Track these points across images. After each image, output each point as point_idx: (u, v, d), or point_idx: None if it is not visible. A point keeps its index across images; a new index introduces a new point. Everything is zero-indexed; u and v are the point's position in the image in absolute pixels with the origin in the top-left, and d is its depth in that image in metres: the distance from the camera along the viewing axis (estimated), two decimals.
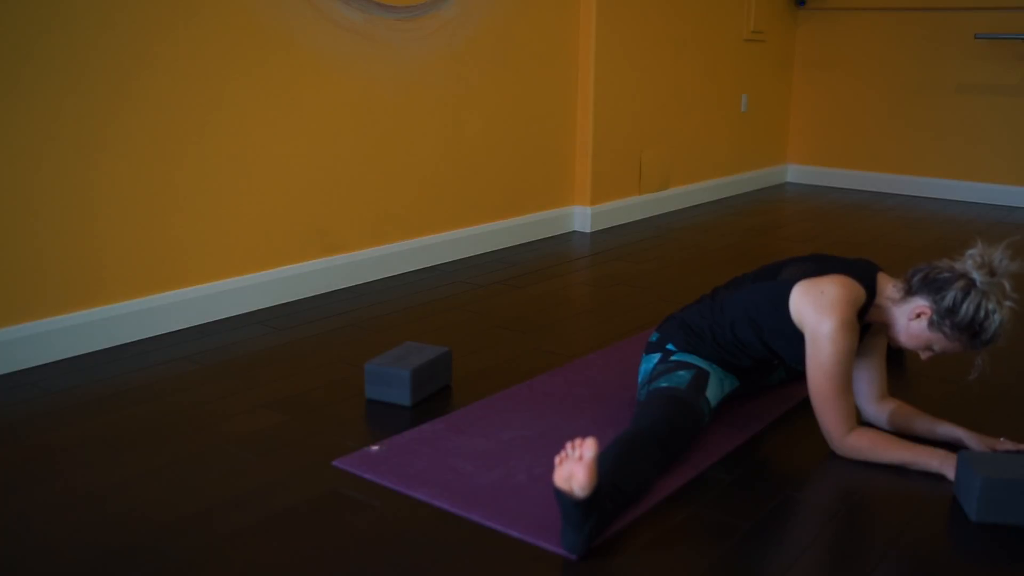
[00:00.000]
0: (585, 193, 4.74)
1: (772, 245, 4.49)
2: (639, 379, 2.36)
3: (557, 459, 1.71)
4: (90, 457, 2.15)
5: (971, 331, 2.01)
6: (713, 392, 2.23)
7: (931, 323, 2.04)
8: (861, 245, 4.49)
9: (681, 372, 2.23)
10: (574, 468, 1.67)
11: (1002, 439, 2.16)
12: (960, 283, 2.00)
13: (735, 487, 2.03)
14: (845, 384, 2.07)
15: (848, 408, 2.10)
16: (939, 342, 2.06)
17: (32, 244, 2.69)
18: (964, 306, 1.98)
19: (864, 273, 2.14)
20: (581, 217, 4.76)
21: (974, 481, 1.88)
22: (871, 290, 2.12)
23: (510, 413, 2.40)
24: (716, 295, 2.34)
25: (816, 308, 2.07)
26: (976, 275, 2.01)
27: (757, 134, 6.15)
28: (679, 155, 5.37)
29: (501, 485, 2.00)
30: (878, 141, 6.13)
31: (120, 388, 2.57)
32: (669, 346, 2.33)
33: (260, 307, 3.33)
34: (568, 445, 1.70)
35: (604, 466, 1.89)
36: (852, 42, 6.13)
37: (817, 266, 2.17)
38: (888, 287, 2.14)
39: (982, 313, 1.98)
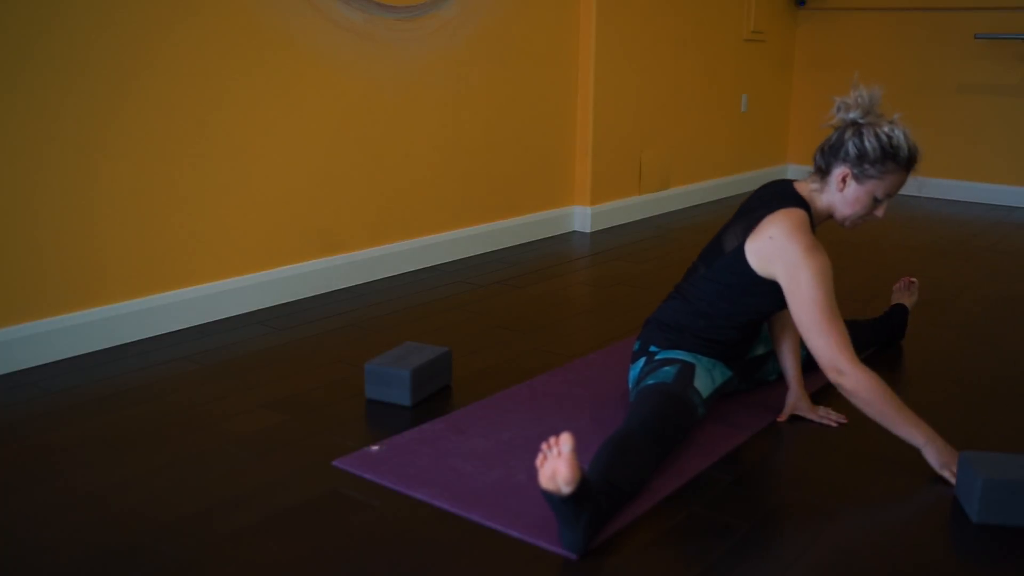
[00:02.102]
0: (585, 193, 4.74)
1: None
2: (629, 386, 2.38)
3: (537, 462, 1.69)
4: (90, 457, 2.15)
5: (889, 156, 2.09)
6: (702, 382, 2.22)
7: (856, 177, 2.13)
8: (861, 245, 4.49)
9: (666, 368, 2.24)
10: (555, 465, 1.65)
11: (822, 409, 2.37)
12: (849, 131, 2.12)
13: (734, 487, 2.03)
14: (833, 308, 2.06)
15: (845, 333, 2.05)
16: (876, 188, 2.13)
17: (32, 244, 2.69)
18: (866, 143, 2.09)
19: (785, 195, 2.21)
20: (581, 217, 4.76)
21: (975, 482, 1.88)
22: (802, 202, 2.19)
23: (510, 413, 2.40)
24: (680, 288, 2.37)
25: (777, 251, 2.12)
26: (855, 117, 2.12)
27: (757, 134, 6.15)
28: (679, 155, 5.37)
29: (501, 485, 2.00)
30: None
31: (120, 388, 2.57)
32: (651, 348, 2.34)
33: (260, 307, 3.33)
34: (544, 445, 1.69)
35: (597, 464, 1.89)
36: (852, 42, 6.13)
37: (747, 220, 2.22)
38: (808, 188, 2.22)
39: (884, 138, 2.08)
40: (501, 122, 4.24)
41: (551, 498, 1.70)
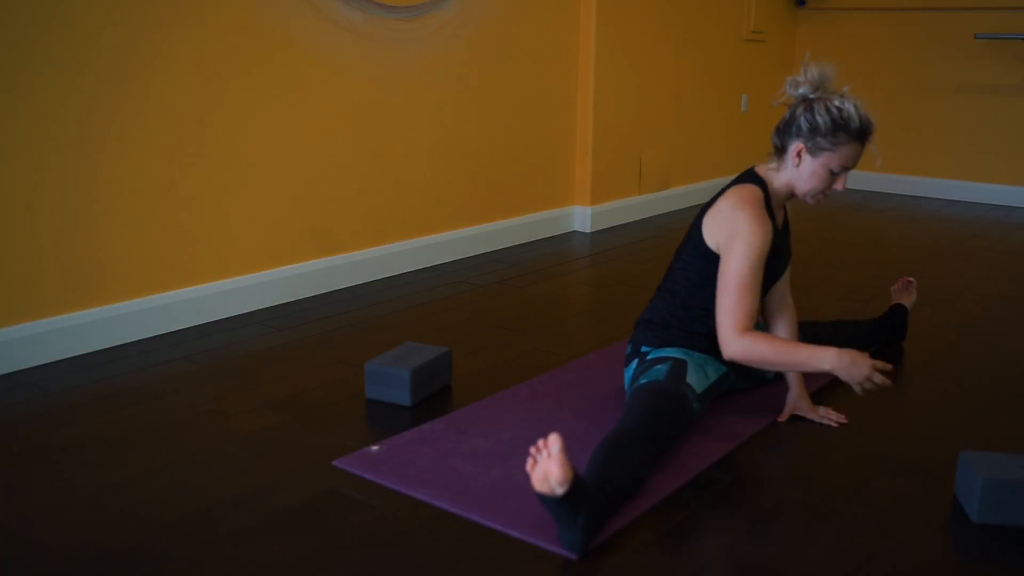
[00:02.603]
0: (585, 193, 4.74)
1: None
2: (625, 389, 2.38)
3: (528, 467, 1.69)
4: (90, 457, 2.15)
5: (840, 127, 2.12)
6: (695, 378, 2.23)
7: (810, 151, 2.16)
8: (861, 245, 4.49)
9: (658, 366, 2.25)
10: (546, 466, 1.66)
11: (822, 409, 2.37)
12: (800, 107, 2.16)
13: (735, 487, 2.03)
14: (749, 285, 2.11)
15: (750, 307, 2.12)
16: (831, 160, 2.15)
17: (32, 244, 2.69)
18: (817, 117, 2.12)
19: (743, 177, 2.27)
20: (581, 217, 4.76)
21: (975, 482, 1.88)
22: (758, 180, 2.24)
23: (510, 413, 2.40)
24: (661, 286, 2.40)
25: (723, 221, 2.17)
26: (805, 92, 2.17)
27: (757, 134, 6.15)
28: (679, 155, 5.37)
29: (501, 485, 2.00)
30: (878, 141, 6.11)
31: (120, 388, 2.57)
32: (643, 348, 2.35)
33: (260, 307, 3.33)
34: (533, 449, 1.69)
35: (593, 464, 1.89)
36: (852, 42, 6.13)
37: (706, 205, 2.29)
38: (767, 168, 2.27)
39: (835, 111, 2.11)
40: (501, 122, 4.24)
41: (546, 500, 1.70)
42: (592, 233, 4.71)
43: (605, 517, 1.81)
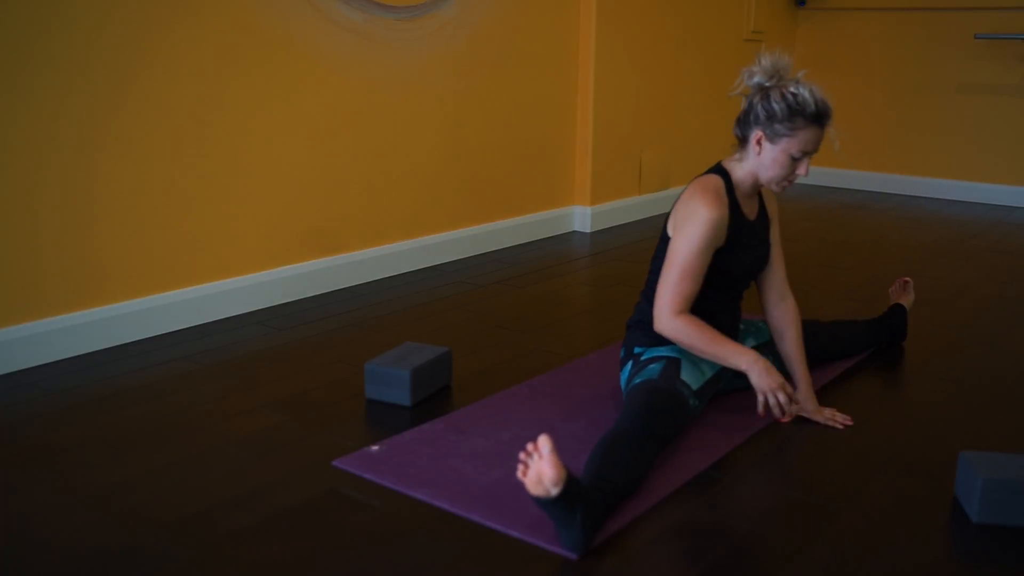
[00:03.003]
0: (585, 193, 4.74)
1: None
2: (622, 390, 2.38)
3: (519, 473, 1.69)
4: (90, 457, 2.15)
5: (797, 112, 2.15)
6: (690, 375, 2.23)
7: (768, 138, 2.19)
8: (861, 245, 4.49)
9: (652, 366, 2.26)
10: (539, 468, 1.65)
11: (828, 411, 2.36)
12: (757, 96, 2.20)
13: (734, 487, 2.03)
14: (692, 268, 2.19)
15: (689, 291, 2.19)
16: (790, 145, 2.18)
17: (32, 244, 2.69)
18: (773, 104, 2.16)
19: (709, 169, 2.33)
20: (581, 217, 4.76)
21: (975, 482, 1.88)
22: (721, 171, 2.28)
23: (510, 413, 2.40)
24: (644, 289, 2.43)
25: (681, 209, 2.24)
26: (760, 81, 2.20)
27: None
28: (679, 155, 5.37)
29: (501, 485, 2.00)
30: (878, 141, 6.13)
31: (120, 388, 2.57)
32: (636, 350, 2.36)
33: (260, 307, 3.33)
34: (523, 454, 1.69)
35: (590, 464, 1.89)
36: (852, 42, 6.13)
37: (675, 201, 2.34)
38: (731, 160, 2.31)
39: (790, 96, 2.15)
40: (501, 122, 4.24)
41: (542, 503, 1.69)
42: (592, 233, 4.71)
43: (604, 516, 1.81)
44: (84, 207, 2.79)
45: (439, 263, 4.03)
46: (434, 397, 2.52)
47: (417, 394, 2.45)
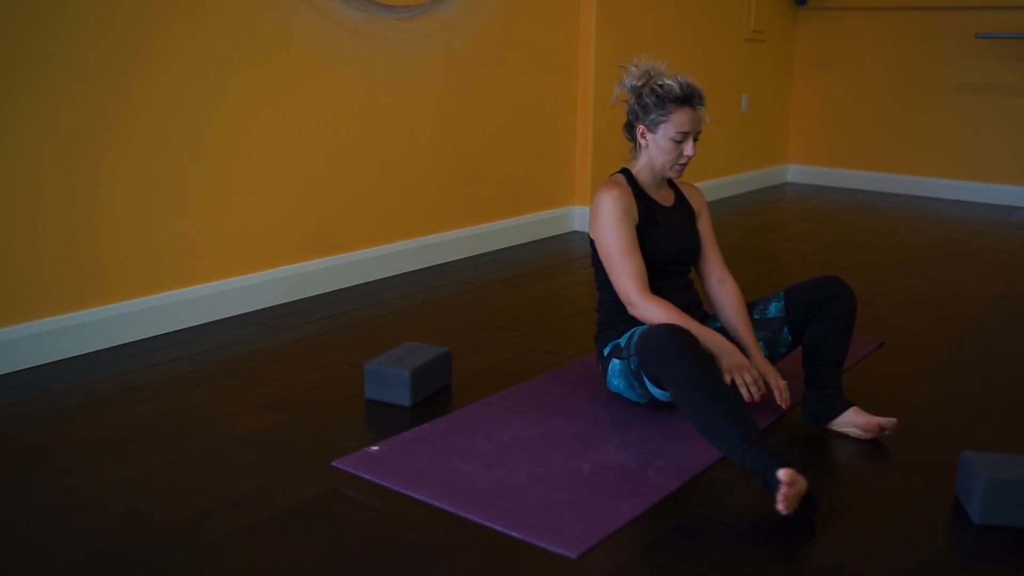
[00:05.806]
0: (585, 193, 4.74)
1: (772, 245, 4.49)
2: (613, 385, 2.44)
3: (782, 507, 1.80)
4: (90, 457, 2.15)
5: (666, 98, 2.32)
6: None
7: (650, 128, 2.37)
8: (861, 245, 4.49)
9: (615, 354, 2.40)
10: (790, 495, 1.80)
11: (782, 381, 2.26)
12: (632, 98, 2.41)
13: (735, 487, 2.03)
14: (625, 247, 2.32)
15: (637, 267, 2.31)
16: (668, 129, 2.34)
17: (32, 244, 2.69)
18: (645, 99, 2.35)
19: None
20: (581, 217, 4.76)
21: (976, 483, 1.87)
22: (623, 171, 2.47)
23: (510, 413, 2.40)
24: (598, 306, 2.54)
25: (591, 214, 2.41)
26: (632, 83, 2.40)
27: (757, 134, 6.15)
28: None
29: (501, 485, 2.00)
30: (878, 141, 6.13)
31: (120, 388, 2.57)
32: (620, 342, 2.39)
33: (260, 307, 3.33)
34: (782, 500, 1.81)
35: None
36: (852, 42, 6.13)
37: None
38: (631, 162, 2.49)
39: (658, 88, 2.33)
40: (501, 122, 4.24)
41: (806, 500, 1.87)
42: None
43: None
44: (84, 207, 2.79)
45: (439, 263, 4.03)
46: (434, 397, 2.52)
47: (417, 394, 2.45)
